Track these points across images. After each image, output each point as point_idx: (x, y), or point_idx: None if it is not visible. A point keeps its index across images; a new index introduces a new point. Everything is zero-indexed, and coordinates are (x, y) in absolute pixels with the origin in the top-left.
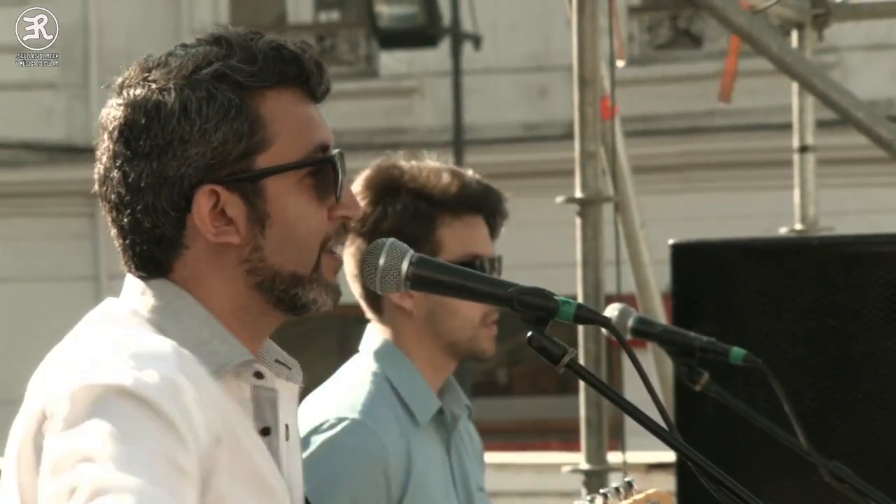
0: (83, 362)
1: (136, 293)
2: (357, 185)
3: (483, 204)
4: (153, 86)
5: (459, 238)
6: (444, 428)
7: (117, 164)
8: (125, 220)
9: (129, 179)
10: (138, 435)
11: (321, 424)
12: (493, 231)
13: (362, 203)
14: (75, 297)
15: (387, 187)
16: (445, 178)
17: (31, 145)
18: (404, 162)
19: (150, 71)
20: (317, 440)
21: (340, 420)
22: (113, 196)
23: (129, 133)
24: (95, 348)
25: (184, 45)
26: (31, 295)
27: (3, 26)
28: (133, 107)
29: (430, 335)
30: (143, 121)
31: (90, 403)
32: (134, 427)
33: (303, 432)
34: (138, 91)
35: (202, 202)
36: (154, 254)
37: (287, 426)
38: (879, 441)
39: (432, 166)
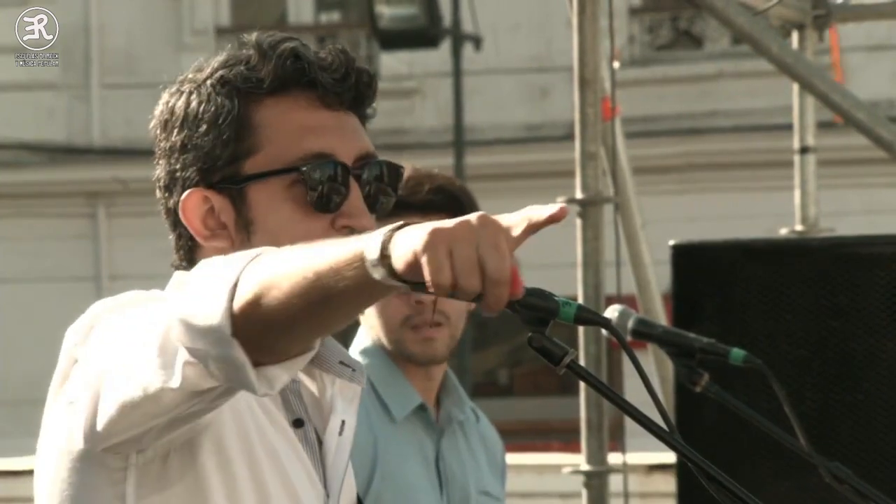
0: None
1: (172, 285)
2: None
3: (449, 206)
4: (175, 88)
5: None
6: (432, 427)
7: (157, 161)
8: (163, 212)
9: (156, 176)
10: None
11: None
12: None
13: None
14: (75, 298)
15: None
16: (410, 182)
17: (31, 146)
18: None
19: (197, 71)
20: None
21: None
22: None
23: (157, 133)
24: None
25: (238, 45)
26: (32, 295)
27: (3, 26)
28: (163, 108)
29: (374, 336)
30: (163, 124)
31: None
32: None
33: None
34: (169, 93)
35: (192, 205)
36: (185, 245)
37: (343, 422)
38: (880, 442)
39: (408, 172)
